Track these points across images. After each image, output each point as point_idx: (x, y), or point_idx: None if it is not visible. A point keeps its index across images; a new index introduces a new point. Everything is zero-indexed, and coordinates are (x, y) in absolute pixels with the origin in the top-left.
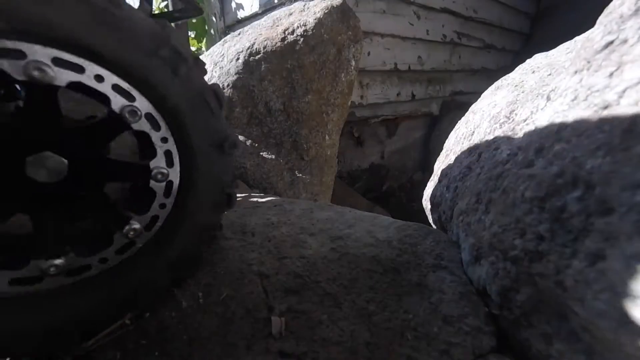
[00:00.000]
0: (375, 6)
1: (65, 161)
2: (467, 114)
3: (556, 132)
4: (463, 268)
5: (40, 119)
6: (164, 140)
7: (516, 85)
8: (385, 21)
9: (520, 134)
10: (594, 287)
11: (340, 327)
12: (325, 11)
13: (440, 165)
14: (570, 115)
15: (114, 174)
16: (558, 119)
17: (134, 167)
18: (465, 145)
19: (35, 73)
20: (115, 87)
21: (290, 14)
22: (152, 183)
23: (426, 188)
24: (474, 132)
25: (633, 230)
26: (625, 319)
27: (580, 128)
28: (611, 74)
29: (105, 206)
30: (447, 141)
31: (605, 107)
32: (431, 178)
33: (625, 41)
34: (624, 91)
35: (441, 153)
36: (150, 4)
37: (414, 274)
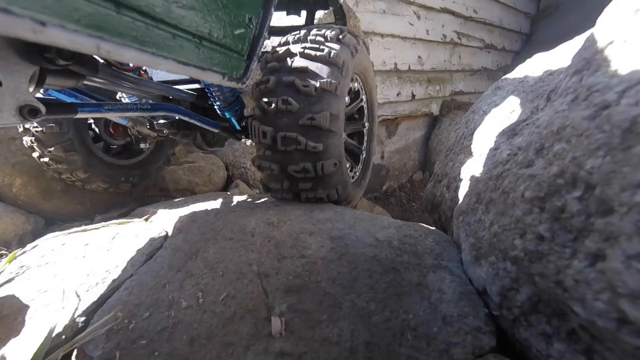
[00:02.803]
0: (375, 6)
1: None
2: (467, 113)
3: (556, 132)
4: (463, 268)
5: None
6: (362, 100)
7: (516, 85)
8: (385, 21)
9: (520, 134)
10: (594, 287)
11: (340, 327)
12: (325, 11)
13: (440, 165)
14: (570, 115)
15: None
16: (558, 119)
17: (360, 123)
18: (466, 145)
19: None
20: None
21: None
22: (364, 130)
23: (426, 188)
24: (474, 132)
25: (633, 230)
26: (625, 318)
27: (580, 128)
28: (611, 74)
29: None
30: (447, 141)
31: (605, 107)
32: (431, 178)
33: (625, 41)
34: (624, 91)
35: (441, 153)
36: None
37: (414, 274)
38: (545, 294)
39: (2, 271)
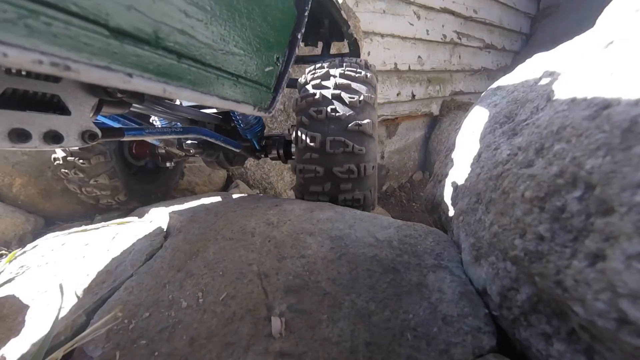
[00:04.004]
0: (375, 6)
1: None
2: (467, 113)
3: (556, 132)
4: (463, 268)
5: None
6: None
7: (516, 85)
8: (385, 21)
9: (520, 134)
10: (594, 287)
11: (340, 327)
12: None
13: (440, 165)
14: (570, 115)
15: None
16: (558, 119)
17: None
18: (466, 145)
19: None
20: None
21: None
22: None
23: (426, 188)
24: (474, 132)
25: (633, 230)
26: (625, 318)
27: (580, 128)
28: (611, 74)
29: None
30: (447, 141)
31: (605, 107)
32: (431, 178)
33: (625, 41)
34: (624, 91)
35: (441, 153)
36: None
37: (414, 274)
38: (545, 294)
39: (2, 271)
